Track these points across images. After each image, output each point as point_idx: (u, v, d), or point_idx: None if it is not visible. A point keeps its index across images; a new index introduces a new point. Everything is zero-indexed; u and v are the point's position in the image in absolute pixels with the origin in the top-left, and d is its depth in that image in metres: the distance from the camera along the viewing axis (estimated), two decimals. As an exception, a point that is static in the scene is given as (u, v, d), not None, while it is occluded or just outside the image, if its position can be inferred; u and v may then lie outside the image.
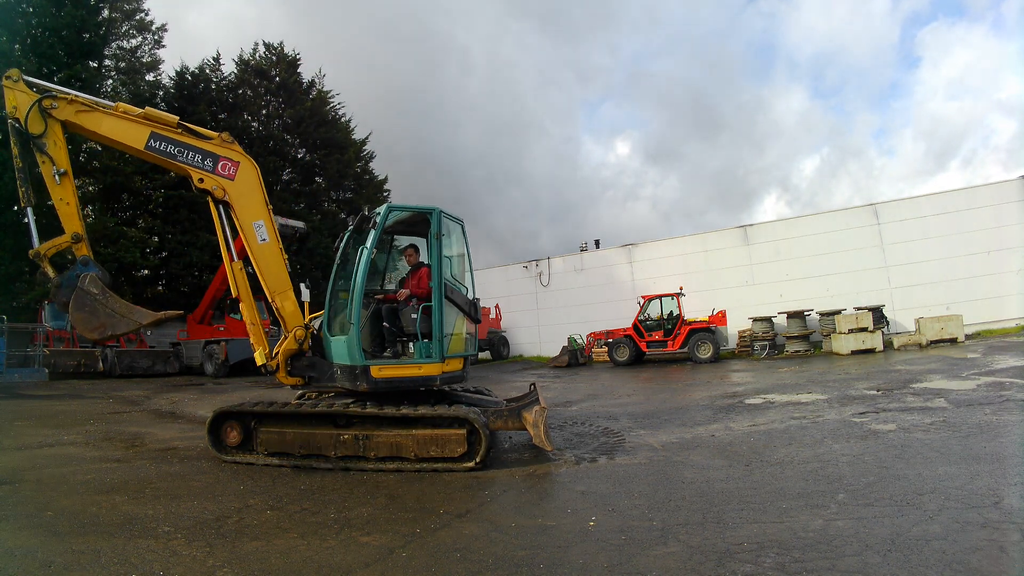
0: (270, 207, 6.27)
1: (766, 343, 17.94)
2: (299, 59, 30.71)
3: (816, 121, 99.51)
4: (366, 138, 32.91)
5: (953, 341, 15.45)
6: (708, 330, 17.93)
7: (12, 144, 5.45)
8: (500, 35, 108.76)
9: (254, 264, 6.18)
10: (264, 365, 6.27)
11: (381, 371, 5.80)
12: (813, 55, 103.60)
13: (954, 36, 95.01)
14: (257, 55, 30.15)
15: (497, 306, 25.25)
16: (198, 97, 27.36)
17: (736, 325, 19.29)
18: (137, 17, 26.97)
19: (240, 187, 6.11)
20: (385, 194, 33.03)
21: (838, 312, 16.90)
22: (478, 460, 5.39)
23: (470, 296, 6.55)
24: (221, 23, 70.71)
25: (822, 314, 17.64)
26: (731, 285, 21.01)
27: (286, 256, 6.36)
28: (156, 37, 27.67)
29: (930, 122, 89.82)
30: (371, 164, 33.05)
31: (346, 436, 5.68)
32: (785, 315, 18.12)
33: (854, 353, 15.60)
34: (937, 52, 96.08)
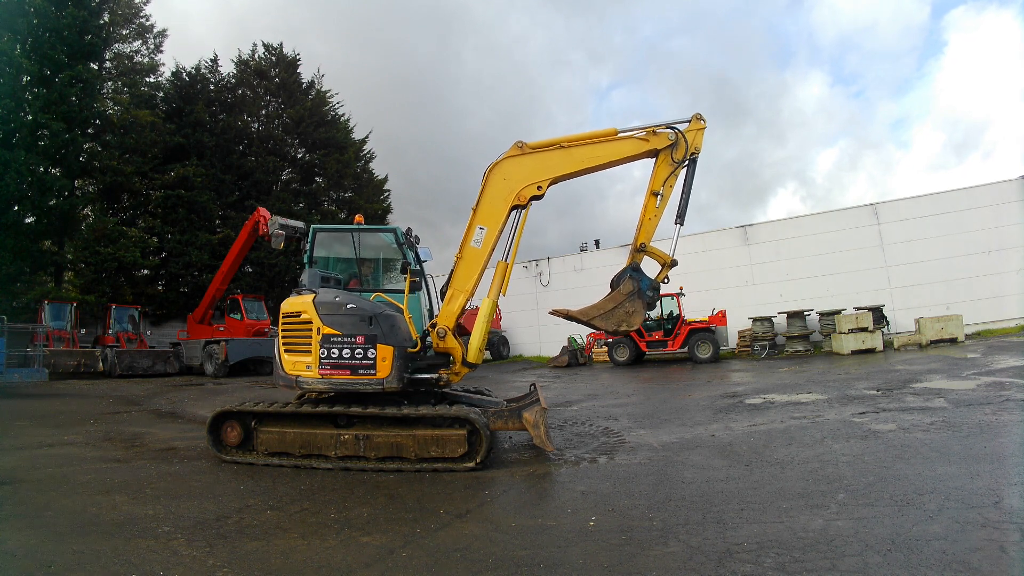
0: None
1: (766, 343, 17.94)
2: (299, 59, 30.80)
3: (836, 108, 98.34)
4: (366, 137, 32.98)
5: (953, 341, 15.45)
6: (708, 330, 17.93)
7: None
8: (508, 8, 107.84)
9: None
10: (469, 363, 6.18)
11: None
12: (838, 37, 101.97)
13: (982, 20, 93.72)
14: (256, 56, 30.21)
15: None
16: (195, 97, 27.40)
17: (736, 325, 19.28)
18: (137, 22, 27.00)
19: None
20: (385, 194, 33.06)
21: (838, 312, 16.90)
22: (479, 460, 5.39)
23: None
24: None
25: (822, 314, 17.64)
26: (731, 285, 21.01)
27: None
28: (156, 42, 27.74)
29: (951, 112, 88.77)
30: (371, 164, 33.12)
31: (346, 436, 5.68)
32: (785, 315, 18.12)
33: (854, 353, 15.60)
34: (963, 37, 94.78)
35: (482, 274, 6.17)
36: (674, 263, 6.19)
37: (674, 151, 6.04)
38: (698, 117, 6.14)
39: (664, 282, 6.23)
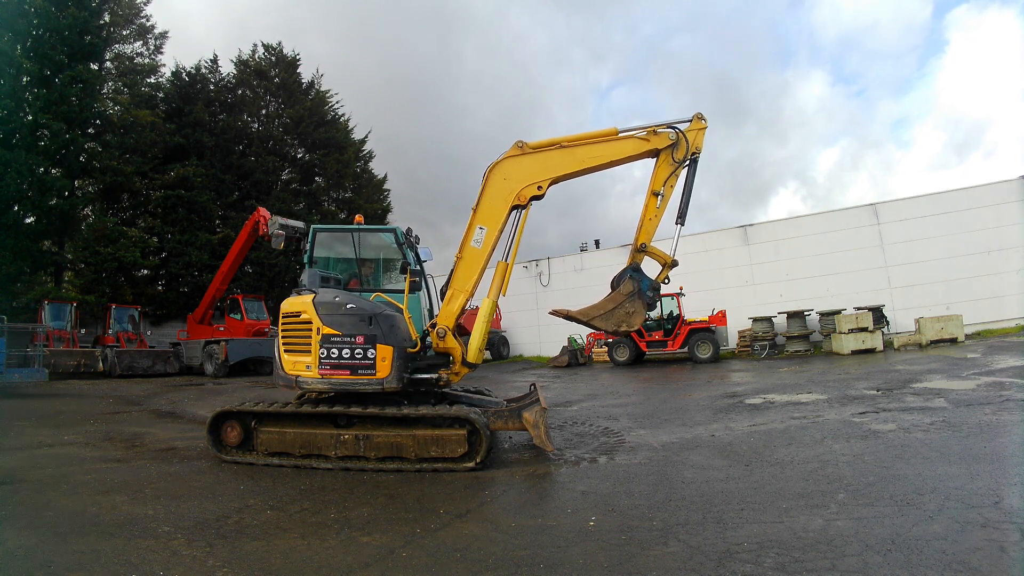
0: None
1: (766, 343, 17.94)
2: (299, 59, 30.79)
3: (837, 108, 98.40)
4: (365, 137, 32.98)
5: (953, 341, 15.45)
6: (708, 330, 17.93)
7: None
8: (509, 7, 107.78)
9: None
10: (470, 363, 6.16)
11: None
12: (839, 36, 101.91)
13: (984, 20, 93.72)
14: (256, 56, 30.20)
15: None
16: (195, 97, 27.39)
17: (736, 325, 19.28)
18: (137, 22, 27.00)
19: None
20: (385, 194, 33.06)
21: (838, 312, 16.89)
22: (479, 460, 5.39)
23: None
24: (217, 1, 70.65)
25: (822, 314, 17.64)
26: (731, 285, 21.02)
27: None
28: (157, 43, 27.75)
29: (952, 112, 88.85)
30: (371, 164, 33.12)
31: (346, 436, 5.68)
32: (785, 315, 18.12)
33: (854, 353, 15.60)
34: (965, 36, 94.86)
35: (482, 274, 6.16)
36: (675, 263, 6.18)
37: (675, 151, 6.04)
38: (699, 117, 6.15)
39: (665, 282, 6.23)
